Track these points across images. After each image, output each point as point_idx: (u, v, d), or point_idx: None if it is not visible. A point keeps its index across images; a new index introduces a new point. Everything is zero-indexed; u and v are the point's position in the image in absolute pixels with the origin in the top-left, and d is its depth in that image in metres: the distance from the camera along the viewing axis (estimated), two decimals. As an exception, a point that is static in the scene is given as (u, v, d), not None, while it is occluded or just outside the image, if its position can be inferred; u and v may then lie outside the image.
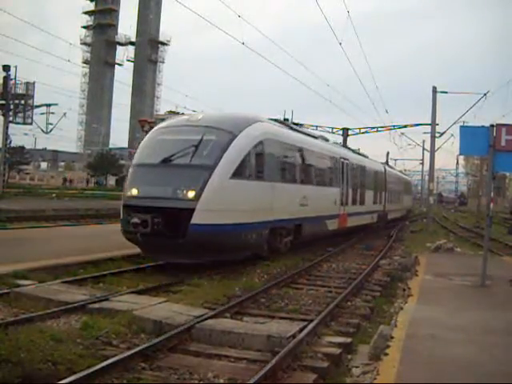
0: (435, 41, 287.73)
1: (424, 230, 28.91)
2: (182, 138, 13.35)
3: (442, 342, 6.82)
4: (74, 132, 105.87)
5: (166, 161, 12.77)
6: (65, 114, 47.65)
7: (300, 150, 16.98)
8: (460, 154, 19.50)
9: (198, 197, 11.91)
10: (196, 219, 11.76)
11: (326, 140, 23.02)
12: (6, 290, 9.18)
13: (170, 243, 11.84)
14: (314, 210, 17.48)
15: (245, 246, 13.31)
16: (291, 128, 17.79)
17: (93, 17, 62.32)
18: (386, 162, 43.49)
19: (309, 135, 19.64)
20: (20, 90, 42.90)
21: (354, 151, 26.93)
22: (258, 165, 13.69)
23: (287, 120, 22.21)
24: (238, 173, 12.83)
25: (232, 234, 12.60)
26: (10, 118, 41.74)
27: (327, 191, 19.58)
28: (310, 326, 7.79)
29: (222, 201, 12.37)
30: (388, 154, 58.59)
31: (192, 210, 11.76)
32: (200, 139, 12.88)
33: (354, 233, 23.48)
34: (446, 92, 29.48)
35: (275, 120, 16.92)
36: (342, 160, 21.49)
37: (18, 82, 42.11)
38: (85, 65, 61.46)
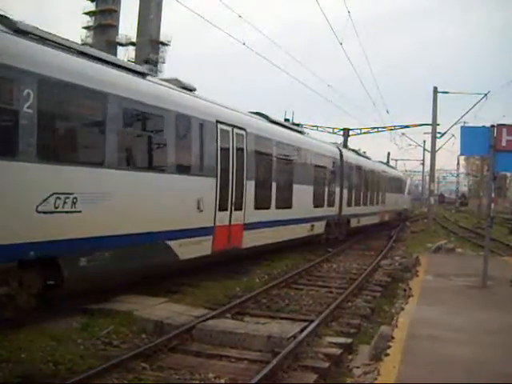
0: (436, 41, 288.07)
1: (425, 231, 28.89)
2: None
3: (443, 342, 6.81)
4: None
5: None
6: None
7: (41, 81, 7.20)
8: (461, 154, 19.38)
9: None
10: None
11: (189, 90, 11.50)
12: None
13: None
14: (115, 221, 8.54)
15: None
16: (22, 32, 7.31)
17: (93, 17, 62.34)
18: (387, 162, 42.76)
19: (108, 63, 8.90)
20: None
21: (272, 121, 15.38)
22: None
23: (287, 120, 21.17)
24: None
25: None
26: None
27: (167, 183, 9.94)
28: (311, 326, 7.80)
29: None
30: (389, 154, 58.58)
31: None
32: None
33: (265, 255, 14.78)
34: (447, 92, 29.50)
35: None
36: (225, 128, 11.67)
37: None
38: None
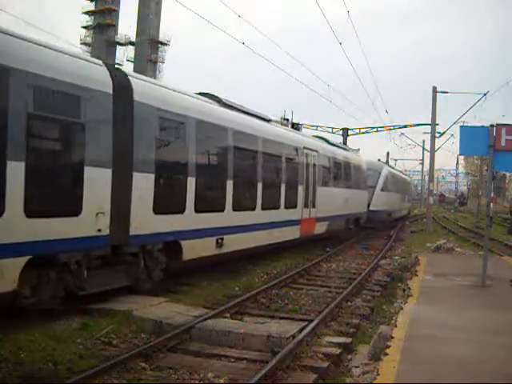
0: (436, 41, 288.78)
1: (424, 230, 28.89)
2: None
3: (442, 342, 6.81)
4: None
5: None
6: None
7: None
8: (460, 154, 19.28)
9: None
10: None
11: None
12: None
13: None
14: None
15: None
16: None
17: (93, 17, 62.29)
18: (386, 161, 42.22)
19: None
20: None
21: None
22: None
23: (287, 120, 21.12)
24: None
25: None
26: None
27: None
28: (310, 326, 7.80)
29: None
30: (388, 154, 58.40)
31: None
32: None
33: None
34: (447, 92, 29.45)
35: None
36: None
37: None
38: (85, 65, 61.86)
